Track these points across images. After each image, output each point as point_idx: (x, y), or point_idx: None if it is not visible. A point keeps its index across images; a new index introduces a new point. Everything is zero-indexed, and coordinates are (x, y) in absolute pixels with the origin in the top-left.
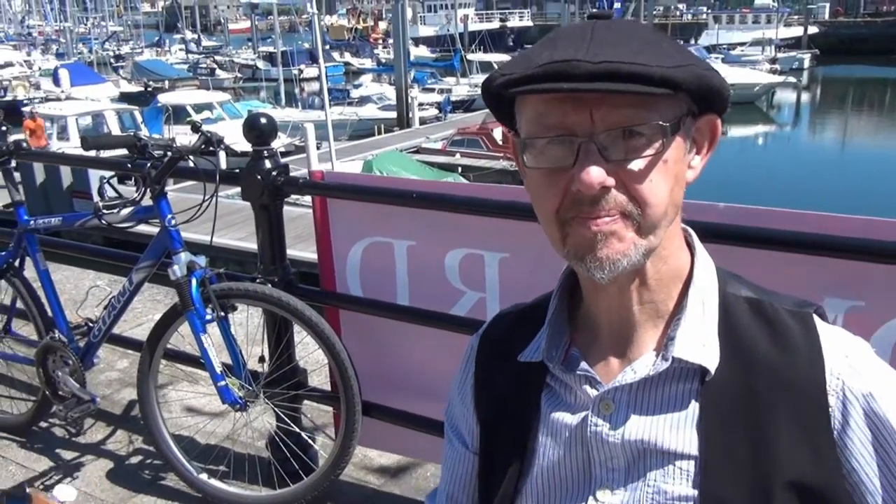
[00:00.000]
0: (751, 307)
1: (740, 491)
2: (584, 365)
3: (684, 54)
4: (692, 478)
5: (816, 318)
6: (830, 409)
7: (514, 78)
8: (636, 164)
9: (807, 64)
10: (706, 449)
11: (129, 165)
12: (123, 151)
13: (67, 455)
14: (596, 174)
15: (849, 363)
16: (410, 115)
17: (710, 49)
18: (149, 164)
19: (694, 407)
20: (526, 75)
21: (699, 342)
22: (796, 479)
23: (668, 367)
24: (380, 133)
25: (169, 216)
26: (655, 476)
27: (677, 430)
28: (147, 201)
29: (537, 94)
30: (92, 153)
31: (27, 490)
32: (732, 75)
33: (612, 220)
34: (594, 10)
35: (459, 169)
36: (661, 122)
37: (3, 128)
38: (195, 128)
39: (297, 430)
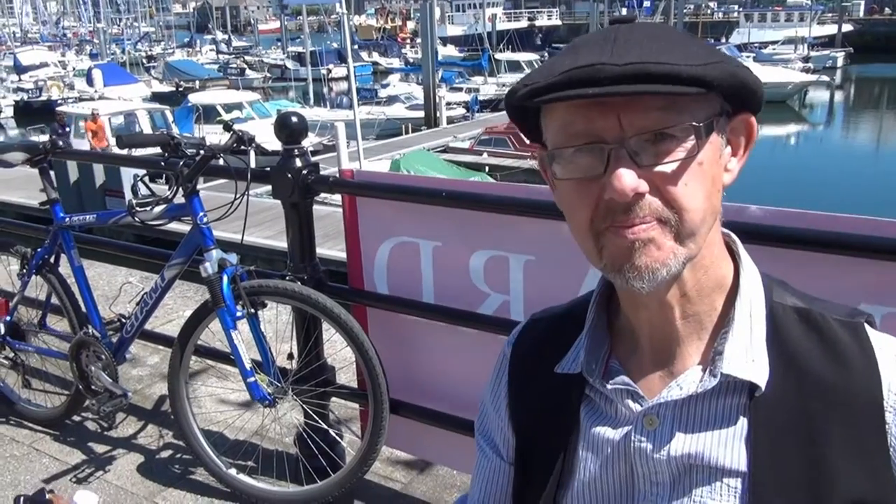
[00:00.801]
0: (800, 317)
1: None
2: (625, 378)
3: (713, 53)
4: (740, 495)
5: (868, 328)
6: (888, 426)
7: (536, 87)
8: (669, 168)
9: (840, 63)
10: (755, 465)
11: (163, 164)
12: (156, 150)
13: (99, 449)
14: (628, 180)
15: None
16: (438, 115)
17: (742, 48)
18: (181, 163)
19: (743, 422)
20: (549, 83)
21: (748, 357)
22: (853, 498)
23: (715, 383)
24: (407, 132)
25: (201, 214)
26: (702, 492)
27: (725, 445)
28: (179, 199)
29: (562, 103)
30: (125, 152)
31: (47, 496)
32: (764, 74)
33: (650, 227)
34: (615, 14)
35: (487, 168)
36: (693, 123)
37: (67, 128)
38: (227, 127)
39: (325, 426)
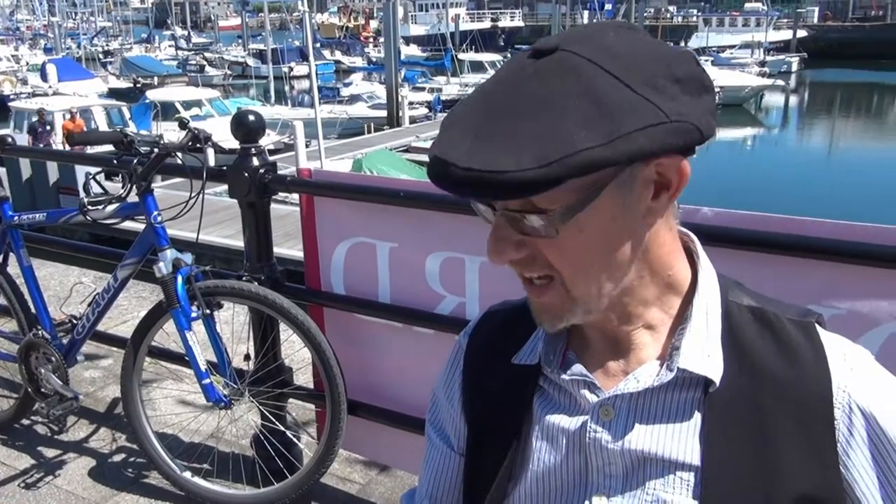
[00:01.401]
0: (754, 316)
1: (742, 502)
2: (583, 370)
3: (599, 123)
4: (693, 488)
5: (819, 328)
6: (836, 423)
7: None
8: (543, 242)
9: (795, 67)
10: (708, 459)
11: (115, 162)
12: (110, 147)
13: (49, 453)
14: (498, 251)
15: (854, 376)
16: (400, 114)
17: (700, 51)
18: (135, 161)
19: (697, 417)
20: (429, 164)
21: (704, 352)
22: (801, 493)
23: (672, 377)
24: (369, 132)
25: (155, 213)
26: (655, 485)
27: (679, 439)
28: (133, 198)
29: None
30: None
31: None
32: (722, 78)
33: (541, 290)
34: (577, 16)
35: None
36: (559, 207)
37: (48, 126)
38: (182, 125)
39: (282, 428)
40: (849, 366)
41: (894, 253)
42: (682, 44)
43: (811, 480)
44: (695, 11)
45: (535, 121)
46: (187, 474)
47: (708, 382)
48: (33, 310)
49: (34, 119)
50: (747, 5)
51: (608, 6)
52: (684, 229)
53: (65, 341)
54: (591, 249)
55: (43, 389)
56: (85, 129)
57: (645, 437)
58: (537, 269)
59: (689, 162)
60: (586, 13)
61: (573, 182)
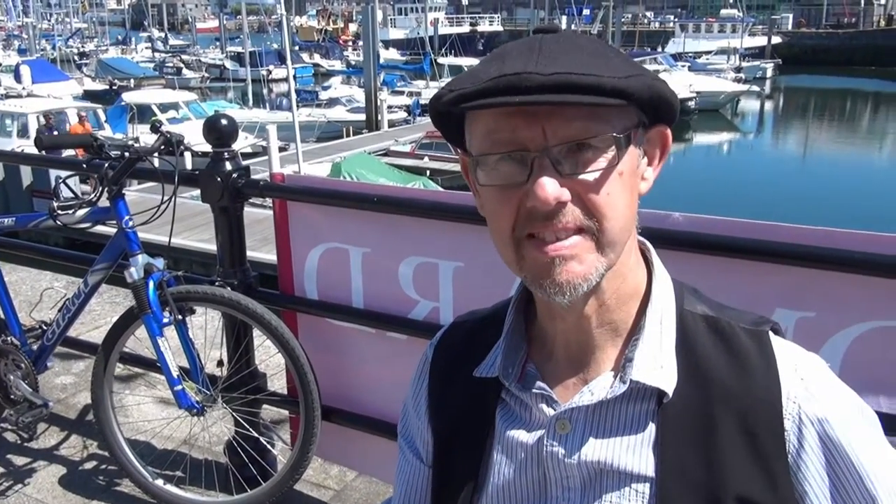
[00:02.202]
0: (708, 325)
1: None
2: (540, 384)
3: (633, 66)
4: (648, 499)
5: (772, 336)
6: (786, 434)
7: (463, 93)
8: (591, 177)
9: (769, 73)
10: (662, 471)
11: (85, 166)
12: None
13: (19, 461)
14: (551, 189)
15: (805, 386)
16: (379, 118)
17: (677, 57)
18: (106, 165)
19: (651, 428)
20: (476, 90)
21: (657, 364)
22: (745, 498)
23: (625, 389)
24: (348, 135)
25: (126, 217)
26: (612, 497)
27: (634, 451)
28: (104, 202)
29: (487, 110)
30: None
31: None
32: (698, 83)
33: (571, 245)
34: (540, 24)
35: (427, 172)
36: (613, 134)
37: (55, 131)
38: (154, 128)
39: (256, 434)
40: (799, 376)
41: (860, 258)
42: (660, 49)
43: (755, 487)
44: (671, 17)
45: (590, 54)
46: (159, 482)
47: (662, 394)
48: (2, 315)
49: (41, 123)
50: (723, 12)
51: (586, 11)
52: (640, 237)
53: (35, 347)
54: (625, 197)
55: (12, 396)
56: (91, 131)
57: (600, 450)
58: (573, 218)
59: (664, 167)
60: (564, 18)
61: (625, 117)
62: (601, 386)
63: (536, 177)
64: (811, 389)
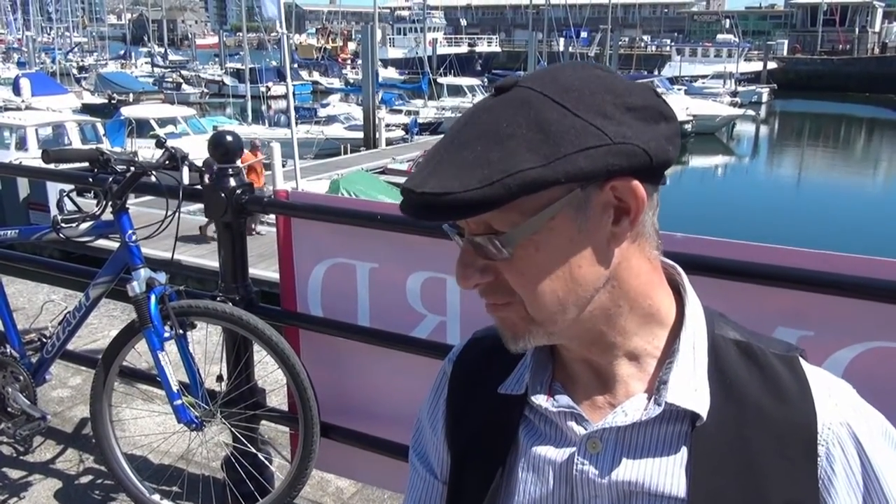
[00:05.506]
0: (740, 350)
1: None
2: (570, 401)
3: (542, 147)
4: None
5: (803, 363)
6: (819, 459)
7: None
8: (503, 264)
9: (765, 98)
10: (694, 493)
11: (91, 179)
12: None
13: (15, 474)
14: (465, 276)
15: (839, 412)
16: (377, 136)
17: (674, 80)
18: (110, 179)
19: (683, 451)
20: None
21: (691, 387)
22: None
23: (660, 411)
24: (346, 153)
25: (129, 231)
26: None
27: (666, 473)
28: (108, 216)
29: None
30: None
31: None
32: (695, 107)
33: (501, 307)
34: (553, 43)
35: None
36: (509, 229)
37: None
38: (160, 143)
39: (254, 450)
40: (834, 402)
41: (857, 282)
42: (656, 72)
43: None
44: (668, 41)
45: (484, 148)
46: (156, 497)
47: (695, 416)
48: (1, 327)
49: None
50: (719, 37)
51: (584, 34)
52: (669, 261)
53: (33, 360)
54: (549, 271)
55: (10, 409)
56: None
57: (632, 471)
58: (500, 295)
59: (659, 190)
60: (562, 41)
61: (524, 204)
62: (634, 407)
63: (458, 259)
64: (845, 414)
